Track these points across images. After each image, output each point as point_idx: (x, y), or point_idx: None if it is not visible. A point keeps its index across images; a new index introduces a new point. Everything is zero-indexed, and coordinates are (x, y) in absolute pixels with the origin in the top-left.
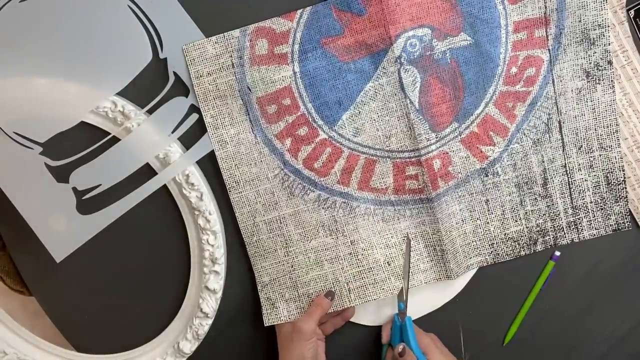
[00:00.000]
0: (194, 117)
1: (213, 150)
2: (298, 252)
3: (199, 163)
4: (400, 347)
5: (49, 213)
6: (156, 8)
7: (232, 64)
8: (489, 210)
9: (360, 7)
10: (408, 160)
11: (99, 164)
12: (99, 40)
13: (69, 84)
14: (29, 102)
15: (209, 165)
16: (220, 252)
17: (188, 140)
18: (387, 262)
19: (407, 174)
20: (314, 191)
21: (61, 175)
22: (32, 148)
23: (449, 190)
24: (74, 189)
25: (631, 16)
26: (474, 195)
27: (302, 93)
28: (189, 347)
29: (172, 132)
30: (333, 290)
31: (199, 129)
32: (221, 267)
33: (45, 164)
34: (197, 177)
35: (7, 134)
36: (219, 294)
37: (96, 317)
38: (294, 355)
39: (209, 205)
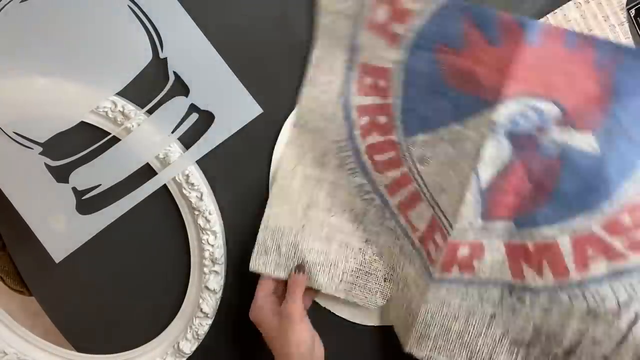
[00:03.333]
0: (194, 117)
1: (213, 149)
2: (315, 218)
3: (199, 163)
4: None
5: (48, 213)
6: (156, 8)
7: (354, 15)
8: (488, 326)
9: (494, 32)
10: (441, 227)
11: (98, 164)
12: (99, 40)
13: (69, 84)
14: (29, 102)
15: (209, 165)
16: (220, 252)
17: (188, 140)
18: (384, 279)
19: (434, 236)
20: (361, 178)
21: (61, 175)
22: (31, 148)
23: (459, 281)
24: (74, 189)
25: (632, 15)
26: (484, 302)
27: (397, 84)
28: (189, 347)
29: (172, 132)
30: (304, 265)
31: (199, 129)
32: (221, 267)
33: (45, 164)
34: (197, 177)
35: (7, 134)
36: (219, 294)
37: (96, 317)
38: (293, 343)
39: (209, 205)
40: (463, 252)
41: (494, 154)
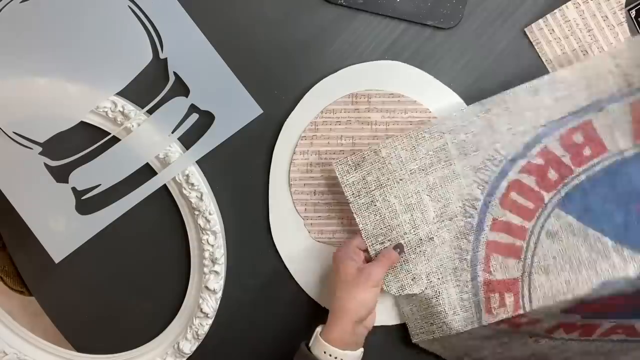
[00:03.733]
0: (194, 117)
1: (213, 149)
2: (413, 183)
3: (199, 163)
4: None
5: (48, 213)
6: (156, 8)
7: None
8: (486, 337)
9: None
10: (519, 295)
11: (98, 164)
12: (99, 40)
13: (69, 84)
14: (29, 102)
15: (209, 165)
16: (220, 252)
17: (188, 140)
18: (413, 278)
19: (504, 294)
20: (480, 192)
21: (61, 175)
22: (31, 148)
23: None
24: (74, 189)
25: (632, 16)
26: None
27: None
28: (189, 347)
29: (172, 132)
30: (403, 247)
31: (199, 129)
32: (221, 267)
33: (45, 164)
34: (197, 177)
35: (7, 134)
36: (219, 294)
37: (96, 317)
38: (358, 300)
39: (209, 205)
40: (523, 320)
41: (617, 282)
